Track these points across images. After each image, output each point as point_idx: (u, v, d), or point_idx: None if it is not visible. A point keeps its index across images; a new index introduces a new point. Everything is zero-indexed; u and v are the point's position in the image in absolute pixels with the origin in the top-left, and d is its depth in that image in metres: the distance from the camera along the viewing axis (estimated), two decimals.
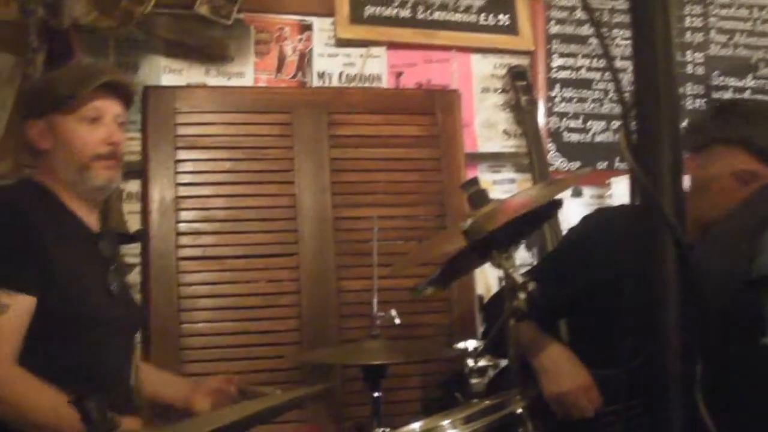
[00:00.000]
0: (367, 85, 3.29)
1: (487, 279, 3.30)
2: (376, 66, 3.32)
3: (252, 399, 2.41)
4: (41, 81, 2.29)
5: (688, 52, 3.65)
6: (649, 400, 1.10)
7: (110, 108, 2.25)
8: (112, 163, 2.24)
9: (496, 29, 3.44)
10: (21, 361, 2.02)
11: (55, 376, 2.04)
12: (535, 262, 3.31)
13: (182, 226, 2.92)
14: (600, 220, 2.49)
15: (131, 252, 2.95)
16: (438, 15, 3.38)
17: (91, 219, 2.27)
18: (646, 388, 1.10)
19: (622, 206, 2.70)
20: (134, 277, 2.92)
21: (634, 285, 1.57)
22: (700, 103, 3.64)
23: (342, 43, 3.28)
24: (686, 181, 2.30)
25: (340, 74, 3.28)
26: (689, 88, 3.62)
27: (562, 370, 2.29)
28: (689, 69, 3.64)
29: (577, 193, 3.49)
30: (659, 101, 1.20)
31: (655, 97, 1.21)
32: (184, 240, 2.91)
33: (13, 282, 2.00)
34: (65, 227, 2.19)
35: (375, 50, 3.32)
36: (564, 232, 3.16)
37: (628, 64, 1.32)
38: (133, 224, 2.95)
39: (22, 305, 2.01)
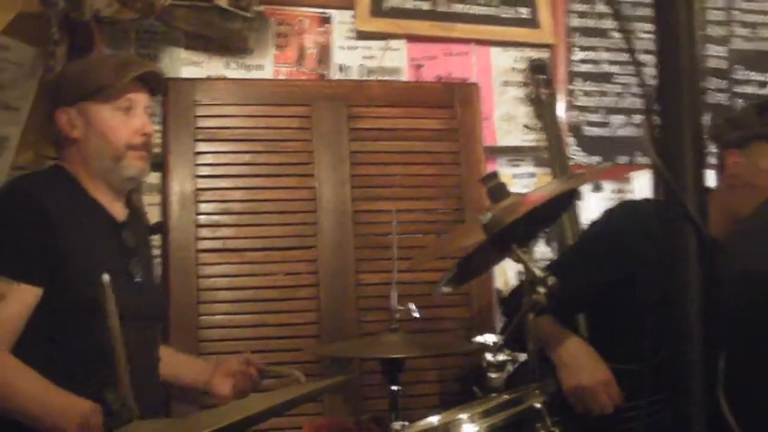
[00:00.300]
0: (386, 78, 3.28)
1: (505, 273, 3.29)
2: (395, 59, 3.31)
3: (272, 378, 2.43)
4: (75, 68, 2.28)
5: (711, 46, 3.61)
6: (671, 395, 1.09)
7: (142, 99, 2.27)
8: (144, 153, 2.25)
9: (517, 22, 3.42)
10: (39, 352, 2.03)
11: (76, 367, 2.05)
12: (554, 257, 3.30)
13: (202, 219, 2.93)
14: (623, 213, 2.48)
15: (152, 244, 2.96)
16: (458, 8, 3.36)
17: (116, 209, 2.28)
18: (668, 383, 1.10)
19: (644, 200, 2.68)
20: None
21: (657, 279, 1.56)
22: (722, 97, 3.61)
23: (362, 35, 3.28)
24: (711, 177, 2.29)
25: (360, 67, 3.27)
26: (711, 82, 3.59)
27: (582, 365, 2.28)
28: (711, 63, 3.61)
29: (597, 188, 3.46)
30: (682, 95, 1.19)
31: (678, 91, 1.20)
32: (204, 232, 2.92)
33: (15, 271, 2.01)
34: (88, 216, 2.19)
35: (395, 43, 3.31)
36: (583, 227, 3.14)
37: (649, 58, 1.31)
38: (153, 216, 2.96)
39: (22, 295, 2.02)
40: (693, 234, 1.09)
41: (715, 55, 3.62)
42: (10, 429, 1.97)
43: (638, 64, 1.28)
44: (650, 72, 1.28)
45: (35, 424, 1.95)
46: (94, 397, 1.97)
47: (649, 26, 3.42)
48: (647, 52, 1.34)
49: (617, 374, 2.28)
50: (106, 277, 1.64)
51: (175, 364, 2.48)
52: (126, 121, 2.22)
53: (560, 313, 2.36)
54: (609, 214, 2.52)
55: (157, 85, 2.35)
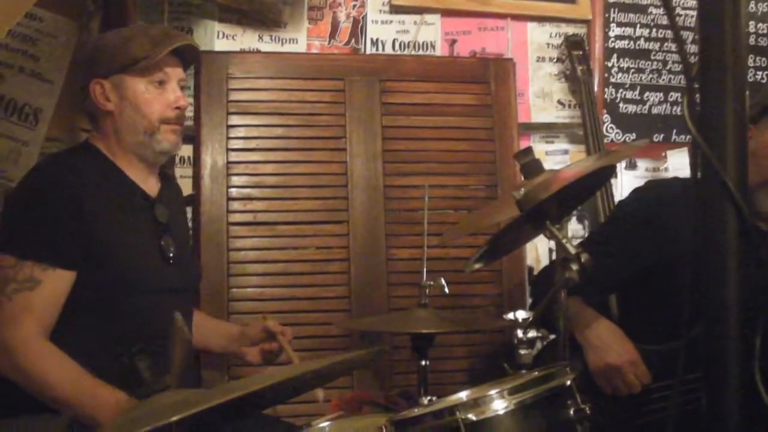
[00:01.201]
0: (420, 52, 3.27)
1: (537, 250, 3.28)
2: (430, 33, 3.28)
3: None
4: (111, 40, 2.25)
5: (752, 23, 3.54)
6: (707, 372, 1.08)
7: (176, 72, 2.26)
8: (177, 127, 2.25)
9: None
10: (74, 333, 2.05)
11: (112, 345, 2.06)
12: (585, 235, 3.27)
13: (233, 192, 2.93)
14: (651, 192, 2.46)
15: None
16: None
17: (148, 183, 2.28)
18: (704, 360, 1.08)
19: (673, 179, 2.66)
20: None
21: (690, 257, 1.54)
22: (762, 75, 3.54)
23: (396, 9, 3.25)
24: None
25: (394, 41, 3.25)
26: (752, 60, 3.52)
27: (609, 345, 2.27)
28: (752, 40, 3.54)
29: (631, 166, 3.43)
30: (725, 72, 1.17)
31: (721, 68, 1.17)
32: (235, 205, 2.93)
33: (49, 256, 2.02)
34: (119, 194, 2.19)
35: (429, 17, 3.28)
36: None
37: (688, 35, 1.29)
38: (185, 189, 2.97)
39: (56, 279, 2.03)
40: (733, 211, 1.07)
41: (755, 32, 3.55)
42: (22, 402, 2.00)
43: (680, 40, 1.25)
44: (692, 48, 1.25)
45: (68, 412, 1.96)
46: (127, 367, 1.99)
47: (689, 2, 3.37)
48: (685, 28, 1.33)
49: (646, 355, 2.26)
50: (178, 316, 1.65)
51: (206, 331, 2.51)
52: (160, 94, 2.21)
53: (589, 293, 2.35)
54: (637, 193, 2.50)
55: (191, 58, 2.35)
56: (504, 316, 2.57)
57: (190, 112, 2.95)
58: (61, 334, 2.03)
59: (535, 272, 3.20)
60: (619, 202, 2.64)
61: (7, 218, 2.15)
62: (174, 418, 1.24)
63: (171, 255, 2.23)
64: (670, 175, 3.35)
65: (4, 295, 2.00)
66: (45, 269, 2.01)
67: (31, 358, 1.97)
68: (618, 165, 2.89)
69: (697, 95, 1.20)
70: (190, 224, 2.91)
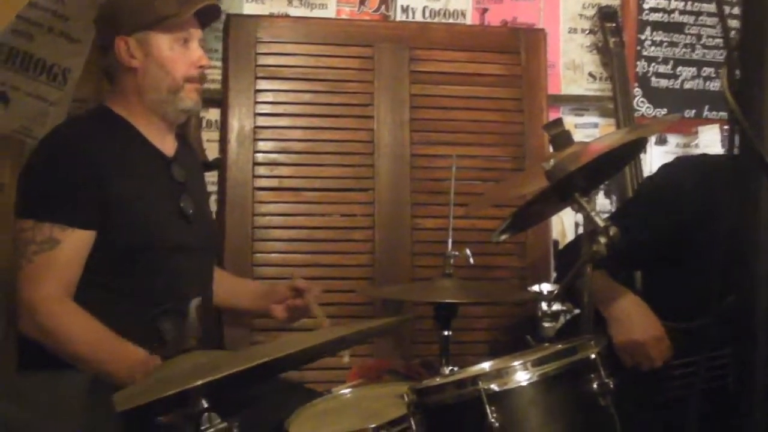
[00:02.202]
0: (451, 20, 3.23)
1: (562, 223, 3.25)
2: (461, 1, 3.25)
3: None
4: None
5: None
6: (737, 346, 1.06)
7: (197, 32, 2.27)
8: (199, 86, 2.25)
9: None
10: (96, 294, 2.06)
11: (134, 304, 2.08)
12: (613, 209, 3.25)
13: (259, 156, 2.93)
14: (680, 168, 2.43)
15: (209, 180, 2.97)
16: None
17: (166, 144, 2.28)
18: (735, 334, 1.07)
19: (702, 155, 2.64)
20: (210, 205, 2.95)
21: (720, 232, 1.52)
22: None
23: None
24: None
25: (424, 9, 3.22)
26: None
27: (634, 320, 2.26)
28: None
29: (662, 141, 3.39)
30: (765, 47, 1.14)
31: (761, 42, 1.15)
32: (261, 170, 2.92)
33: (67, 217, 2.03)
34: (135, 154, 2.20)
35: None
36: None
37: (727, 9, 1.26)
38: (212, 153, 2.98)
39: (76, 240, 2.04)
40: None
41: None
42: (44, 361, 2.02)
43: (722, 13, 1.23)
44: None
45: (90, 369, 1.98)
46: (151, 328, 2.01)
47: None
48: (726, 2, 1.29)
49: (670, 333, 2.25)
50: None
51: (232, 290, 2.52)
52: (184, 53, 2.22)
53: (614, 268, 2.33)
54: (665, 169, 2.48)
55: (210, 17, 2.35)
56: (528, 289, 2.56)
57: (217, 75, 2.96)
58: (83, 295, 2.05)
59: (561, 246, 3.18)
60: (647, 177, 2.61)
61: (24, 183, 2.17)
62: (198, 383, 1.25)
63: (190, 213, 2.24)
64: (700, 151, 3.31)
65: (24, 258, 2.02)
66: (63, 229, 2.03)
67: (53, 317, 2.00)
68: (648, 140, 2.85)
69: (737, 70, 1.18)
70: (215, 188, 2.92)
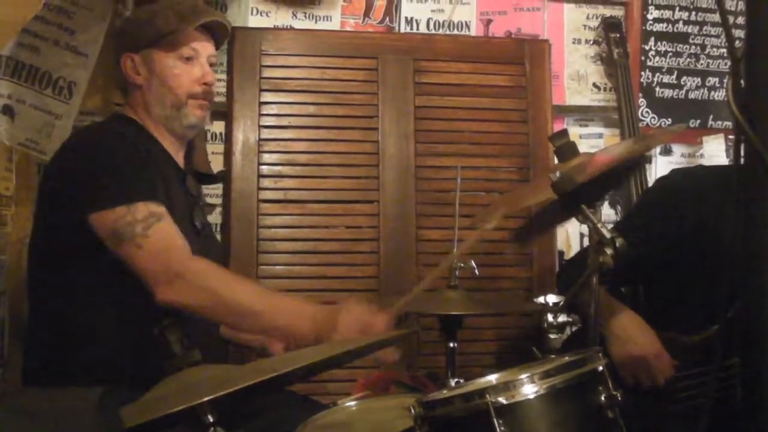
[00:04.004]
0: (455, 32, 3.24)
1: (567, 234, 3.25)
2: (465, 13, 3.25)
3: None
4: (141, 15, 2.27)
5: None
6: (744, 356, 1.06)
7: (205, 48, 2.26)
8: (204, 102, 2.25)
9: None
10: (110, 304, 2.04)
11: (141, 315, 2.07)
12: (618, 219, 3.24)
13: (264, 169, 2.93)
14: (676, 180, 2.42)
15: (213, 192, 2.98)
16: None
17: (179, 156, 2.29)
18: (742, 344, 1.06)
19: (698, 167, 2.64)
20: (215, 217, 2.95)
21: (725, 243, 1.51)
22: None
23: None
24: None
25: (428, 20, 3.22)
26: None
27: (633, 337, 2.24)
28: None
29: (666, 151, 3.39)
30: None
31: (766, 51, 1.15)
32: (266, 182, 2.93)
33: (150, 193, 1.99)
34: (159, 160, 2.20)
35: None
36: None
37: (732, 18, 1.26)
38: (217, 165, 2.98)
39: (166, 213, 1.99)
40: None
41: None
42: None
43: (726, 22, 1.23)
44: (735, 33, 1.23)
45: (263, 322, 1.93)
46: (157, 339, 2.00)
47: None
48: (729, 12, 1.30)
49: (672, 345, 2.24)
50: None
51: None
52: (188, 69, 2.22)
53: (613, 284, 2.32)
54: (660, 182, 2.48)
55: (222, 34, 2.34)
56: (534, 300, 2.55)
57: (222, 88, 2.96)
58: (97, 305, 2.04)
59: (566, 256, 3.18)
60: (643, 191, 2.60)
61: (90, 178, 2.06)
62: (206, 399, 1.24)
63: (198, 227, 2.24)
64: (705, 161, 3.31)
65: (137, 238, 1.94)
66: (157, 204, 1.98)
67: (204, 272, 1.94)
68: (653, 150, 2.86)
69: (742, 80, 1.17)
70: (220, 200, 2.92)
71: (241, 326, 1.95)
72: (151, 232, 1.94)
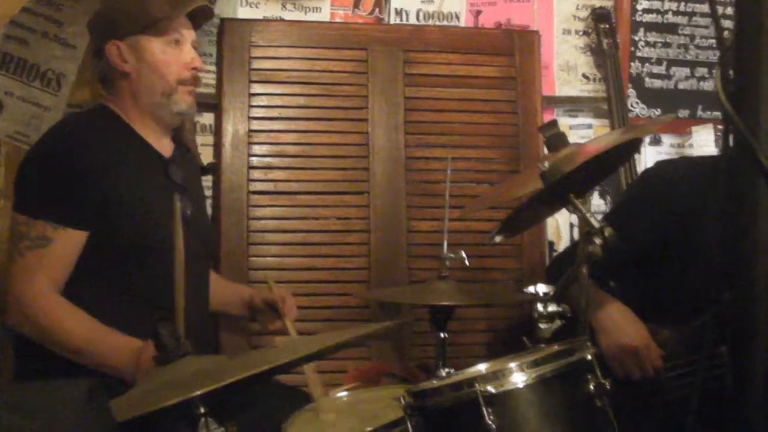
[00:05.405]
0: (445, 23, 3.23)
1: (557, 225, 3.25)
2: (454, 4, 3.25)
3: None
4: (126, 1, 2.25)
5: None
6: (734, 344, 1.07)
7: (190, 33, 2.26)
8: (193, 88, 2.25)
9: None
10: (92, 295, 2.06)
11: (129, 305, 2.08)
12: (608, 210, 3.25)
13: (254, 160, 2.93)
14: (660, 173, 2.43)
15: (203, 184, 2.97)
16: None
17: (162, 145, 2.27)
18: (732, 333, 1.07)
19: (681, 158, 2.66)
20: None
21: (712, 233, 1.51)
22: None
23: None
24: None
25: (418, 11, 3.22)
26: None
27: (622, 328, 2.25)
28: None
29: (656, 141, 3.39)
30: (760, 46, 1.15)
31: (755, 41, 1.15)
32: (256, 174, 2.92)
33: (60, 216, 2.04)
34: (132, 153, 2.19)
35: None
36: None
37: (721, 9, 1.27)
38: (206, 157, 2.97)
39: (68, 239, 2.05)
40: (764, 186, 1.05)
41: None
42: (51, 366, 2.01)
43: (715, 12, 1.23)
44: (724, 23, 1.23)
45: (87, 363, 1.98)
46: (148, 333, 2.00)
47: None
48: (719, 2, 1.30)
49: (663, 335, 2.25)
50: (176, 199, 1.65)
51: (221, 294, 2.52)
52: (176, 55, 2.22)
53: (601, 277, 2.33)
54: (645, 174, 2.49)
55: (203, 19, 2.35)
56: (524, 290, 2.56)
57: (211, 80, 2.96)
58: (79, 297, 2.05)
59: (556, 247, 3.19)
60: (629, 184, 2.61)
61: (22, 179, 2.17)
62: (197, 393, 1.24)
63: (188, 215, 2.23)
64: (694, 151, 3.32)
65: (17, 252, 2.04)
66: (56, 228, 2.04)
67: (44, 309, 2.01)
68: (643, 140, 2.85)
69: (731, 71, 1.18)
70: (210, 192, 2.91)
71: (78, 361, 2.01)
72: (28, 253, 2.03)
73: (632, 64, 3.37)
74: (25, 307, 2.01)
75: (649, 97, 3.38)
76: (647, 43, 3.39)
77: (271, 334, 2.45)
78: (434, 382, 1.75)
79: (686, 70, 3.44)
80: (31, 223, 2.04)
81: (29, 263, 2.02)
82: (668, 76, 3.41)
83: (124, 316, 2.03)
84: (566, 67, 3.35)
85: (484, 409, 1.50)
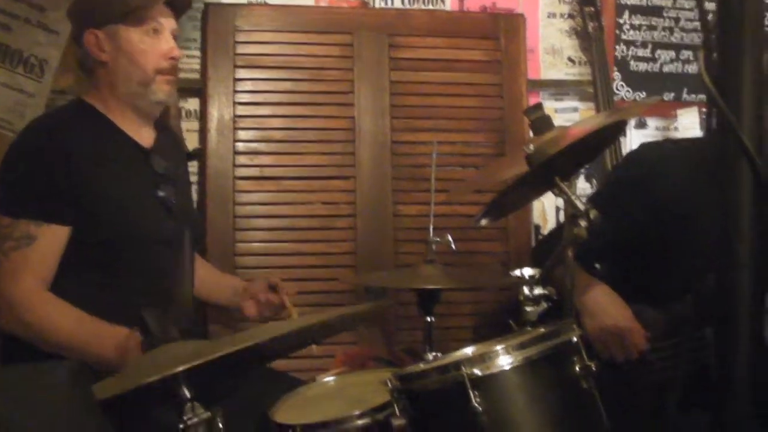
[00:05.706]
0: (430, 7, 3.23)
1: (543, 208, 3.26)
2: None
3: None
4: None
5: None
6: (718, 327, 1.07)
7: (169, 22, 2.24)
8: (171, 78, 2.23)
9: None
10: (79, 288, 2.06)
11: (117, 298, 2.07)
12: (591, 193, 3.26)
13: (240, 146, 2.92)
14: (644, 155, 2.43)
15: (189, 170, 2.96)
16: None
17: (143, 135, 2.26)
18: (716, 316, 1.08)
19: (666, 140, 2.68)
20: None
21: (697, 215, 1.52)
22: None
23: None
24: None
25: None
26: None
27: (607, 310, 2.26)
28: None
29: (641, 124, 3.40)
30: (743, 29, 1.15)
31: (738, 24, 1.15)
32: (242, 159, 2.91)
33: (42, 213, 2.04)
34: (111, 147, 2.18)
35: None
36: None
37: None
38: (191, 143, 2.97)
39: (52, 235, 2.05)
40: (748, 168, 1.06)
41: None
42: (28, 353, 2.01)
43: None
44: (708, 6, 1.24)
45: (74, 355, 1.97)
46: (135, 320, 2.00)
47: None
48: None
49: (646, 317, 2.26)
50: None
51: (211, 285, 2.53)
52: (154, 44, 2.19)
53: (585, 260, 2.33)
54: (629, 156, 2.49)
55: (181, 8, 2.33)
56: (510, 273, 2.57)
57: (196, 65, 2.94)
58: (65, 290, 2.05)
59: (542, 230, 3.20)
60: (613, 166, 2.61)
61: (1, 179, 2.15)
62: (180, 368, 1.25)
63: (170, 204, 2.22)
64: (680, 134, 3.33)
65: (1, 253, 2.03)
66: (39, 226, 2.03)
67: (32, 308, 2.00)
68: (628, 123, 2.87)
69: (714, 53, 1.18)
70: (196, 178, 2.91)
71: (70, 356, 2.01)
72: (13, 254, 2.03)
73: (617, 47, 3.38)
74: (14, 309, 2.00)
75: (634, 80, 3.39)
76: (632, 26, 3.40)
77: (266, 320, 2.46)
78: (421, 365, 1.76)
79: (671, 53, 3.44)
80: (14, 224, 2.03)
81: (15, 264, 2.02)
82: (653, 59, 3.42)
83: (112, 308, 2.03)
84: (551, 50, 3.35)
85: (470, 391, 1.51)
